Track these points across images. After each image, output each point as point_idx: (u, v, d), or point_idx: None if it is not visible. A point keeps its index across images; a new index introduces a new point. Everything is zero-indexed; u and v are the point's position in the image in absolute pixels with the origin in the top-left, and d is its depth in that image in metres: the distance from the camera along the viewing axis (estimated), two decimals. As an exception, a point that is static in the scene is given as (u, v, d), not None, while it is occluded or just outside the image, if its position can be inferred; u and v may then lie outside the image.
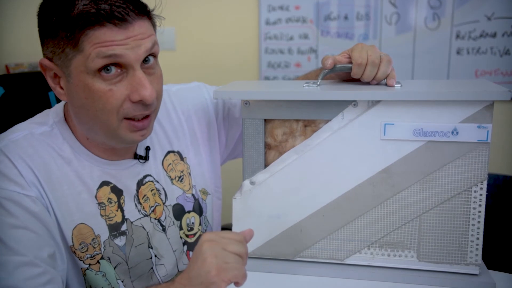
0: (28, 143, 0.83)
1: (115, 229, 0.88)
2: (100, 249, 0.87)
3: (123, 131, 0.82)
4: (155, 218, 0.94)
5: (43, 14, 0.79)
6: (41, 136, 0.85)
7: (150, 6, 0.83)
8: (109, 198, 0.88)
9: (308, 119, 0.86)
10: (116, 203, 0.88)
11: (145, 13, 0.80)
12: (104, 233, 0.87)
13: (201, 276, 0.67)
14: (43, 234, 0.79)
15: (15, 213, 0.77)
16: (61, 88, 0.82)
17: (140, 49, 0.78)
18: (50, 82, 0.83)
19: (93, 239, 0.86)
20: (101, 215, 0.87)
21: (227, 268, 0.67)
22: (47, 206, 0.82)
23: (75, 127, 0.87)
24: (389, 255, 0.87)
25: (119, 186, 0.89)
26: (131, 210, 0.90)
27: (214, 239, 0.69)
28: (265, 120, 0.88)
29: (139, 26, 0.78)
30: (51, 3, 0.78)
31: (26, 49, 2.43)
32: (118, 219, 0.89)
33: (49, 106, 1.12)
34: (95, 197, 0.87)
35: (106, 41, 0.75)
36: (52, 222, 0.82)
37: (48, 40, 0.79)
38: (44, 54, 0.81)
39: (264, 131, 0.88)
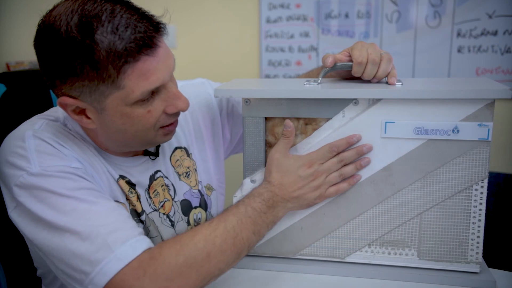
0: (53, 129, 0.83)
1: (134, 216, 0.89)
2: None
3: (159, 138, 0.85)
4: (163, 213, 0.94)
5: (56, 54, 0.73)
6: (60, 126, 0.85)
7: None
8: (128, 189, 0.89)
9: (308, 117, 0.86)
10: (135, 195, 0.89)
11: (163, 31, 0.79)
12: None
13: (309, 200, 0.86)
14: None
15: (76, 179, 0.77)
16: (88, 118, 0.80)
17: (169, 67, 0.79)
18: (72, 115, 0.80)
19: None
20: (126, 199, 0.88)
21: (325, 195, 0.86)
22: (93, 179, 0.82)
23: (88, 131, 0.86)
24: (389, 253, 0.87)
25: (133, 180, 0.90)
26: (143, 203, 0.91)
27: (318, 169, 0.85)
28: (265, 118, 0.88)
29: (162, 44, 0.78)
30: (64, 42, 0.72)
31: (26, 47, 2.40)
32: (139, 209, 0.89)
33: (51, 103, 1.12)
34: (117, 183, 0.87)
35: (144, 73, 0.75)
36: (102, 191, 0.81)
37: (72, 79, 0.74)
38: (62, 92, 0.77)
39: (264, 129, 0.88)
